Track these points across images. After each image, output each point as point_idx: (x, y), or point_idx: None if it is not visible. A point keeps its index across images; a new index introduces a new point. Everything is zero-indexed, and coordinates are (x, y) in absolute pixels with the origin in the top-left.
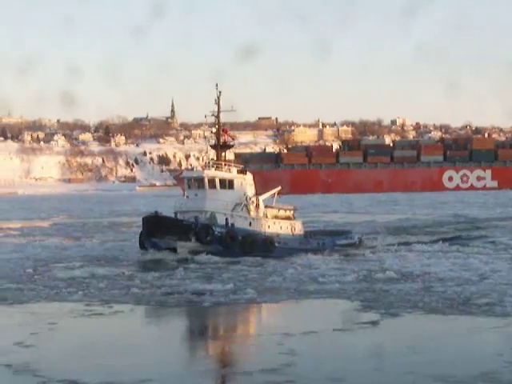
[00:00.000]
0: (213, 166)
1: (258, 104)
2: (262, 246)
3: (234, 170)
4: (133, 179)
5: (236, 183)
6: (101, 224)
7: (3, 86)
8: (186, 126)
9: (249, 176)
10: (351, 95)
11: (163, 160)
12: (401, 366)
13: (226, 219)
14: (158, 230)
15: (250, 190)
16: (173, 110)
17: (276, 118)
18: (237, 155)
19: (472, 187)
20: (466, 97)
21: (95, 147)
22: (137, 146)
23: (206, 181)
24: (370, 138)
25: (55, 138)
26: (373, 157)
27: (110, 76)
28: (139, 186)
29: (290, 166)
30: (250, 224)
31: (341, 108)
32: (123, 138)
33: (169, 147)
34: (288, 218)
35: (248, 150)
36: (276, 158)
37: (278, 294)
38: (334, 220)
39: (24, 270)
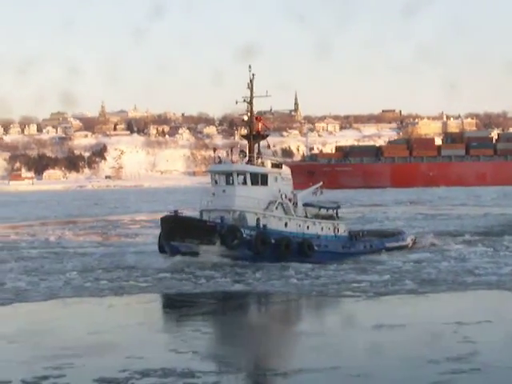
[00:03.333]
0: (243, 159)
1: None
2: (298, 251)
3: (269, 163)
4: None
5: (270, 178)
6: None
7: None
8: (309, 119)
9: (285, 170)
10: (476, 87)
11: (287, 153)
12: None
13: (258, 220)
14: (177, 232)
15: (287, 186)
16: (296, 103)
17: (400, 111)
18: (338, 148)
19: None
20: None
21: (219, 140)
22: None
23: (235, 175)
24: (496, 131)
25: (180, 131)
26: (475, 150)
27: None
28: None
29: (391, 159)
30: (286, 225)
31: (466, 100)
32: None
33: (292, 140)
34: (330, 218)
35: (371, 143)
36: (377, 151)
37: (437, 285)
38: (469, 213)
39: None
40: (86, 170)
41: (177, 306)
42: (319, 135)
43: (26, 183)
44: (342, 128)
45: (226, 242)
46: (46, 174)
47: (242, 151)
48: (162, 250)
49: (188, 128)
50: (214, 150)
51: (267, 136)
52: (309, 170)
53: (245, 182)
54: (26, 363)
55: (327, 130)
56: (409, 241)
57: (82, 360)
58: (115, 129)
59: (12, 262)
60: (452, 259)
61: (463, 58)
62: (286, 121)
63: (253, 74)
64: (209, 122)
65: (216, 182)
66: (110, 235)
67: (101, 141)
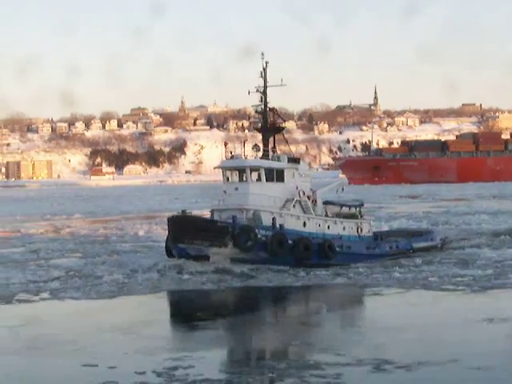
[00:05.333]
0: (257, 153)
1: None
2: (318, 252)
3: (285, 157)
4: (337, 167)
5: (287, 174)
6: None
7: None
8: (389, 114)
9: (303, 165)
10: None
11: (366, 147)
12: None
13: (274, 219)
14: (185, 233)
15: (305, 183)
16: (376, 98)
17: (480, 105)
18: (403, 143)
19: None
20: None
21: (299, 135)
22: (340, 133)
23: (249, 171)
24: None
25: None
26: None
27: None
28: (342, 174)
29: (457, 154)
30: (305, 224)
31: None
32: (326, 125)
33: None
34: (353, 217)
35: (451, 137)
36: (442, 146)
37: None
38: None
39: None
40: (166, 165)
41: (282, 298)
42: (399, 129)
43: (107, 178)
44: (421, 122)
45: (238, 243)
46: (126, 168)
47: (255, 145)
48: (169, 253)
49: None
50: (225, 144)
51: (283, 129)
52: (375, 165)
53: (259, 179)
54: (147, 354)
55: (407, 125)
56: (438, 241)
57: (200, 352)
58: (195, 124)
59: (104, 256)
60: None
61: None
62: (366, 115)
63: (266, 62)
64: (288, 116)
65: (228, 179)
66: None
67: (180, 136)
